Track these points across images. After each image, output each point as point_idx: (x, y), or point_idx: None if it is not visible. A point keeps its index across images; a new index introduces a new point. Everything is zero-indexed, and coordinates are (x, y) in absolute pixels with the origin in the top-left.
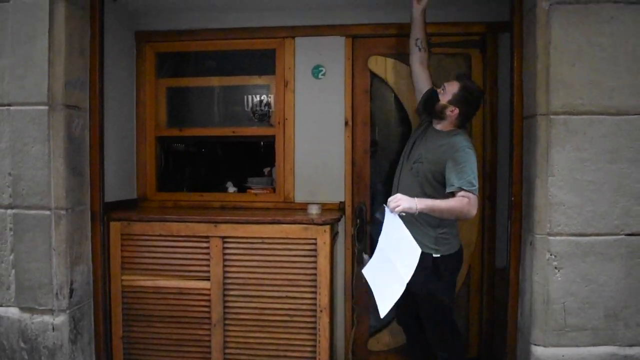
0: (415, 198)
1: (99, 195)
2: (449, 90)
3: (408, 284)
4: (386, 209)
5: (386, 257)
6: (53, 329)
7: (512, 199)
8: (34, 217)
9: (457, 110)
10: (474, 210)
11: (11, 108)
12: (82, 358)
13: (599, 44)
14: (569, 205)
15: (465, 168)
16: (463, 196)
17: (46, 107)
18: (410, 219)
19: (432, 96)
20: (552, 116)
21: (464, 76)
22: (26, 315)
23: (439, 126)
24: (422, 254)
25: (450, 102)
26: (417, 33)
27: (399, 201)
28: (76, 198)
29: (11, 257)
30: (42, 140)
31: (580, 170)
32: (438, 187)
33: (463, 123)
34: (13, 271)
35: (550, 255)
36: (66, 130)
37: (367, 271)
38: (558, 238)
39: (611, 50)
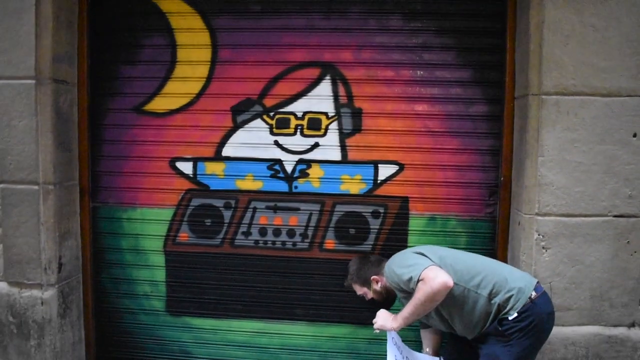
0: (393, 315)
1: (87, 170)
2: (359, 289)
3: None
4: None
5: None
6: (42, 303)
7: (502, 178)
8: (22, 192)
9: (377, 277)
10: (437, 280)
11: None
12: (71, 332)
13: (592, 24)
14: (557, 186)
15: (400, 272)
16: (418, 284)
17: (33, 82)
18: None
19: (374, 306)
20: (543, 96)
21: (346, 281)
22: (15, 290)
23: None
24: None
25: (372, 288)
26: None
27: (377, 317)
28: (65, 173)
29: None
30: (30, 114)
31: (570, 151)
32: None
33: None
34: (1, 246)
35: (538, 235)
36: (54, 105)
37: None
38: (546, 218)
39: (604, 31)
